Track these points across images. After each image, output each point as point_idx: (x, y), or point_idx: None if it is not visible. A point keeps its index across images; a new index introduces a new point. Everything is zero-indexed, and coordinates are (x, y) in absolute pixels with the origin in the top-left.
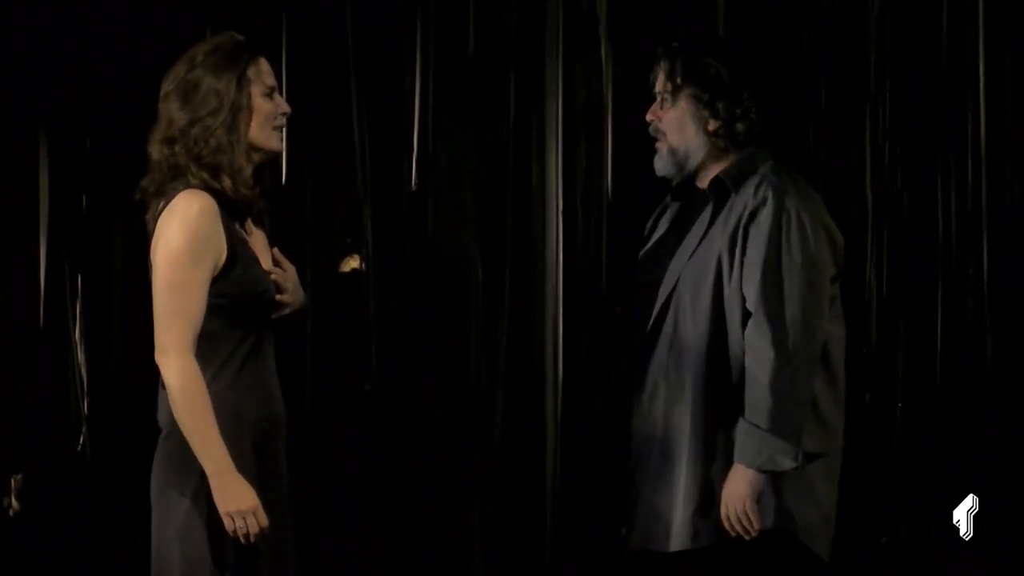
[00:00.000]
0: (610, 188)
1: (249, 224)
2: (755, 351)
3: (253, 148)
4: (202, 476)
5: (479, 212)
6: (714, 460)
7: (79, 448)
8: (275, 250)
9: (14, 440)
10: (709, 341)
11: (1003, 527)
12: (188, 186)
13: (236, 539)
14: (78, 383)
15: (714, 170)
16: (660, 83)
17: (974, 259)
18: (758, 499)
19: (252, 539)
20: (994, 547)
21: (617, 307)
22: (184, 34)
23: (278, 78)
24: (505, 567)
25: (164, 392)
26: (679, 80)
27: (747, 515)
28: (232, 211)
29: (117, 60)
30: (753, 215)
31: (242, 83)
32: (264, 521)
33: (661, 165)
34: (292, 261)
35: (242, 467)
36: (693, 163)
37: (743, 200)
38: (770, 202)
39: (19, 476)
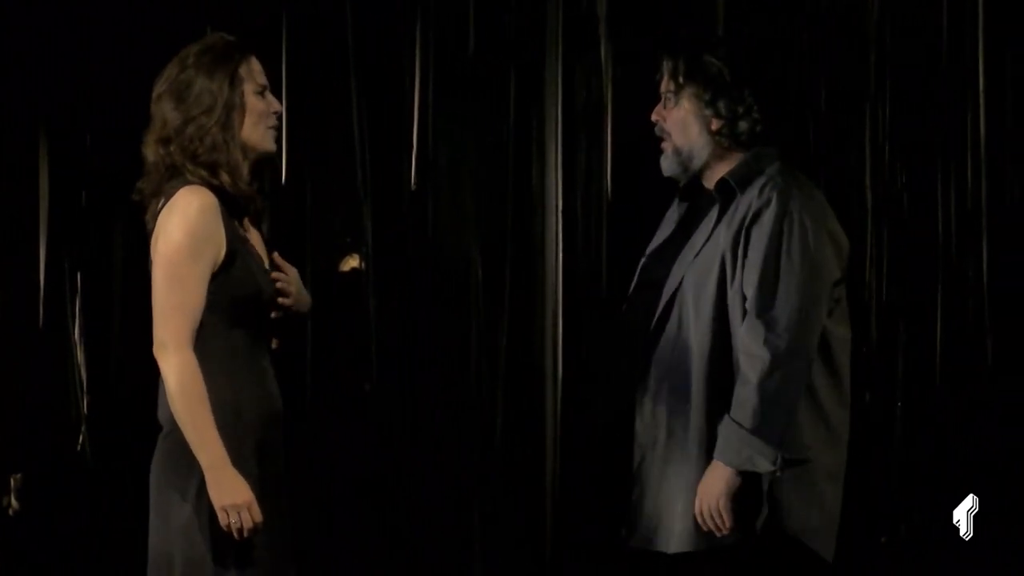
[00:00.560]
0: (610, 188)
1: (247, 224)
2: (747, 350)
3: (246, 147)
4: (202, 474)
5: (479, 212)
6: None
7: (79, 448)
8: (275, 254)
9: (14, 439)
10: (712, 342)
11: (1003, 527)
12: (188, 183)
13: (234, 537)
14: (78, 383)
15: (720, 170)
16: (664, 83)
17: (974, 259)
18: (735, 498)
19: (246, 534)
20: (994, 547)
21: (622, 305)
22: (184, 34)
23: (278, 78)
24: (505, 567)
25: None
26: (681, 80)
27: (720, 513)
28: (232, 208)
29: (117, 60)
30: (756, 216)
31: (234, 82)
32: (258, 517)
33: (667, 165)
34: (292, 261)
35: (241, 465)
36: (697, 163)
37: (748, 201)
38: (773, 204)
39: (19, 475)
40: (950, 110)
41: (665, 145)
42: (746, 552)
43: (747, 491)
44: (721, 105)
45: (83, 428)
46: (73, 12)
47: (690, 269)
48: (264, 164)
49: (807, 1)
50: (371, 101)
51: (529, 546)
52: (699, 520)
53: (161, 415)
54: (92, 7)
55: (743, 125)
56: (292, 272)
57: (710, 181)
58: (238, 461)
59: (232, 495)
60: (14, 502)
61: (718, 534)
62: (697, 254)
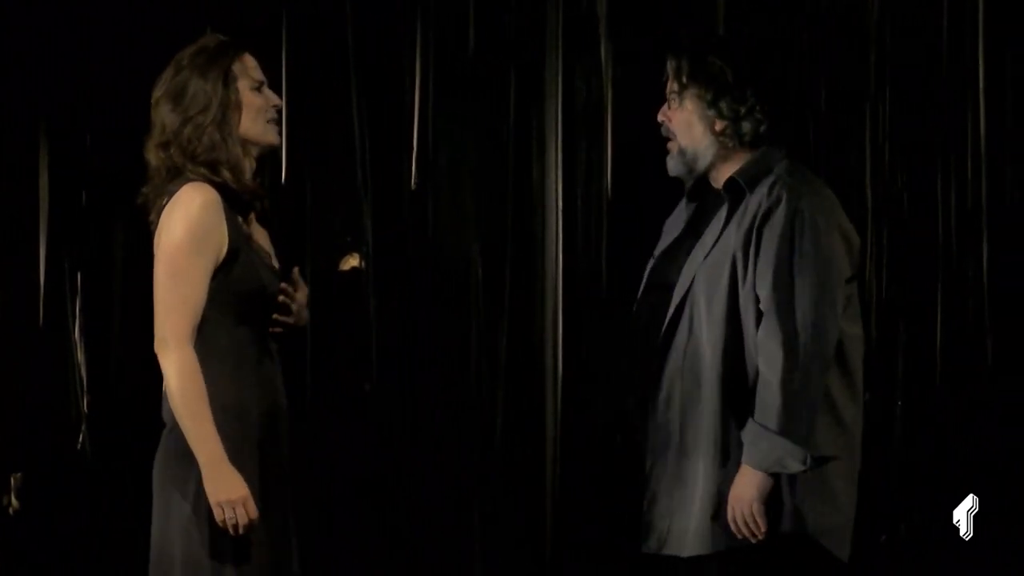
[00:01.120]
0: (610, 188)
1: (253, 222)
2: (766, 352)
3: (248, 142)
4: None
5: (479, 211)
6: (731, 463)
7: (79, 447)
8: (296, 270)
9: (14, 439)
10: (724, 343)
11: (1003, 527)
12: (190, 181)
13: (229, 532)
14: (78, 382)
15: (726, 170)
16: (668, 83)
17: (974, 259)
18: (766, 502)
19: (242, 530)
20: (994, 547)
21: (633, 308)
22: (184, 34)
23: (279, 78)
24: (505, 567)
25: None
26: (685, 80)
27: (754, 518)
28: (235, 205)
29: (117, 60)
30: (767, 216)
31: (228, 80)
32: (254, 513)
33: (672, 166)
34: (292, 260)
35: (242, 461)
36: (703, 163)
37: (757, 200)
38: (784, 203)
39: (19, 475)
40: (950, 110)
41: (671, 145)
42: (761, 554)
43: (769, 494)
44: (723, 106)
45: (83, 427)
46: (73, 12)
47: (701, 270)
48: (265, 159)
49: (807, 1)
50: (371, 101)
51: (529, 546)
52: (733, 528)
53: (165, 412)
54: (92, 7)
55: (747, 125)
56: (303, 289)
57: (717, 181)
58: (239, 458)
59: (228, 491)
60: (14, 501)
61: (753, 540)
62: (707, 255)
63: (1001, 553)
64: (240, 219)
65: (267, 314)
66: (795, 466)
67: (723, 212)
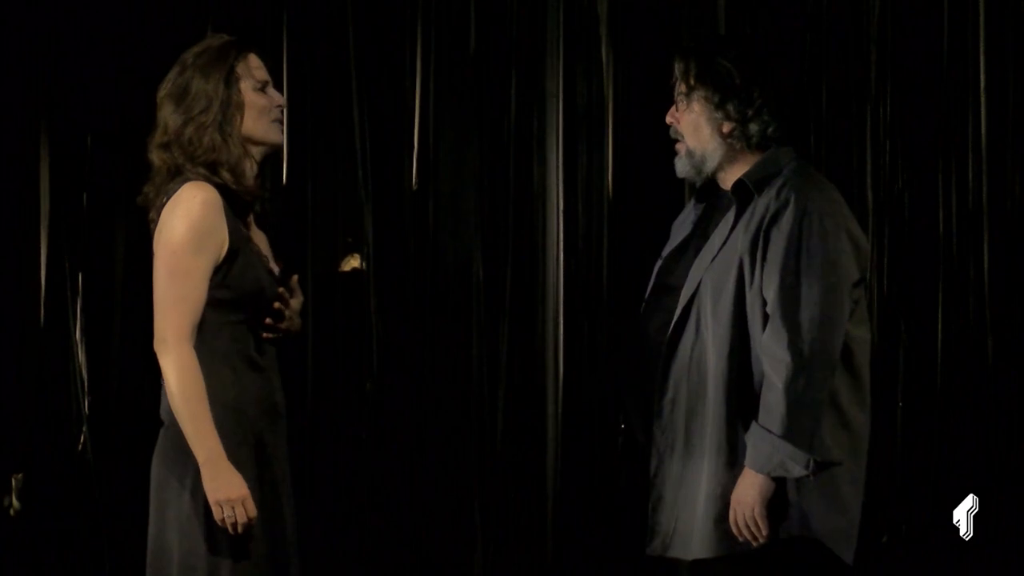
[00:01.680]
0: (611, 188)
1: (252, 224)
2: (771, 355)
3: (251, 142)
4: (199, 468)
5: (480, 212)
6: (736, 466)
7: (79, 447)
8: (295, 278)
9: (15, 439)
10: (731, 345)
11: (1003, 527)
12: (191, 180)
13: (228, 531)
14: (79, 382)
15: (734, 171)
16: (676, 85)
17: (975, 259)
18: (769, 505)
19: (240, 529)
20: (994, 547)
21: (640, 308)
22: (185, 34)
23: (280, 78)
24: (505, 567)
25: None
26: (692, 82)
27: (755, 521)
28: (235, 206)
29: (118, 60)
30: (775, 218)
31: (230, 80)
32: (253, 512)
33: (680, 167)
34: (293, 260)
35: (240, 460)
36: (711, 165)
37: (765, 202)
38: (792, 205)
39: (20, 475)
40: (951, 110)
41: (679, 147)
42: (766, 557)
43: (774, 497)
44: (731, 107)
45: (84, 428)
46: (74, 12)
47: (708, 272)
48: (268, 162)
49: (808, 1)
50: (372, 101)
51: (529, 546)
52: (735, 530)
53: (163, 411)
54: (93, 7)
55: (754, 127)
56: (299, 297)
57: (726, 182)
58: (237, 456)
59: (227, 490)
60: (15, 502)
61: (754, 543)
62: (715, 257)
63: (1001, 553)
64: (239, 220)
65: (265, 314)
66: (798, 470)
67: (731, 214)
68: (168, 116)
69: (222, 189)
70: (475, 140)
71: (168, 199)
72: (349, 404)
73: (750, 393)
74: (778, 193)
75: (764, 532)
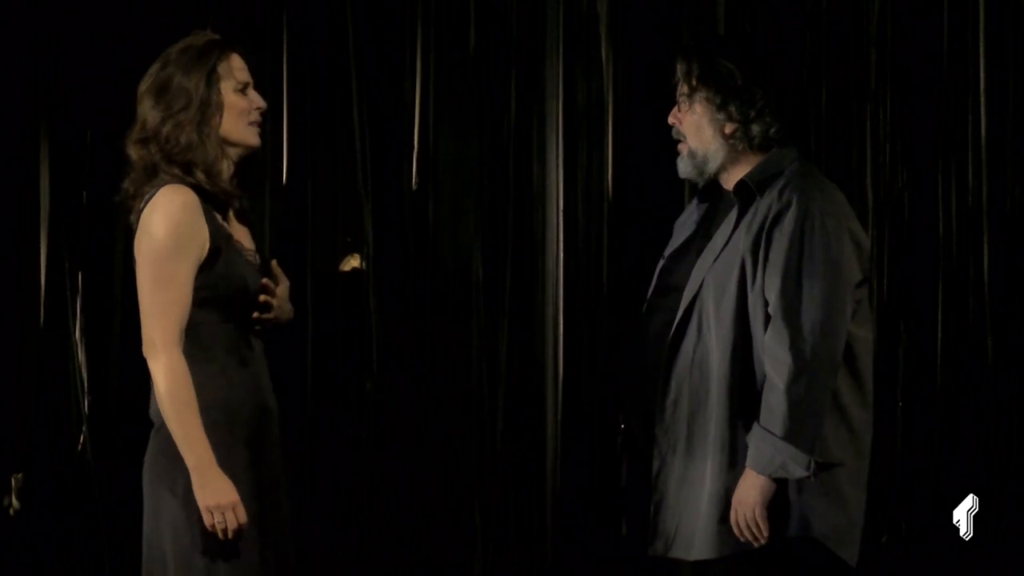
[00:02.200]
0: (611, 188)
1: (232, 219)
2: (773, 357)
3: (228, 143)
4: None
5: (479, 211)
6: (738, 466)
7: (79, 447)
8: (274, 263)
9: (14, 439)
10: (733, 346)
11: (1003, 527)
12: (167, 182)
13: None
14: (78, 382)
15: (736, 172)
16: (679, 86)
17: (975, 258)
18: (770, 506)
19: (230, 535)
20: (994, 547)
21: (643, 309)
22: (185, 33)
23: (280, 77)
24: (505, 567)
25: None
26: (694, 83)
27: (756, 522)
28: (212, 202)
29: (118, 59)
30: (777, 219)
31: (211, 80)
32: (243, 518)
33: (682, 168)
34: (293, 260)
35: (231, 462)
36: (713, 166)
37: (768, 203)
38: (794, 206)
39: (19, 475)
40: (951, 109)
41: (681, 147)
42: (768, 558)
43: (775, 498)
44: (733, 109)
45: (84, 428)
46: (74, 11)
47: (710, 273)
48: (247, 160)
49: (808, 1)
50: (372, 100)
51: (529, 546)
52: (735, 531)
53: (152, 412)
54: (93, 7)
55: (756, 128)
56: (284, 283)
57: (728, 183)
58: (228, 459)
59: (216, 496)
60: (15, 502)
61: (755, 544)
62: (717, 257)
63: (1001, 553)
64: (219, 217)
65: (251, 312)
66: (799, 472)
67: (733, 215)
68: (147, 111)
69: (197, 188)
70: (475, 140)
71: (145, 204)
72: (349, 404)
73: (752, 394)
74: (780, 194)
75: (765, 533)
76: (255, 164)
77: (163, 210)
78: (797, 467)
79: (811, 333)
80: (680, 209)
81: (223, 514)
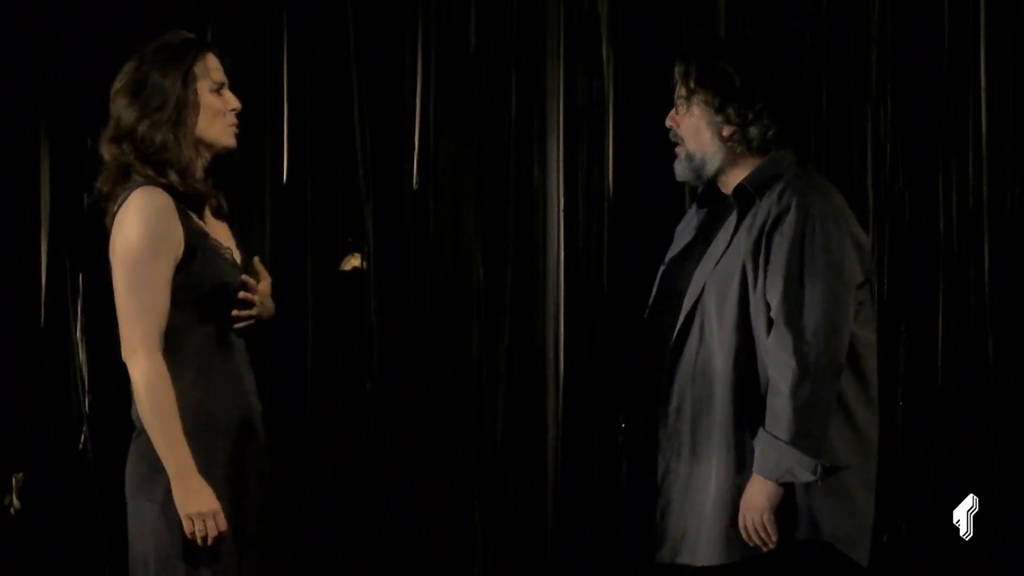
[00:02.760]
0: (611, 188)
1: (209, 218)
2: (776, 361)
3: (203, 144)
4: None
5: (480, 211)
6: (744, 472)
7: (80, 447)
8: (255, 260)
9: (15, 438)
10: (736, 351)
11: (1003, 527)
12: (139, 184)
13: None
14: (79, 382)
15: (735, 175)
16: (676, 88)
17: (975, 259)
18: (778, 511)
19: (210, 543)
20: (994, 547)
21: (645, 314)
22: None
23: (280, 77)
24: (506, 567)
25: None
26: (692, 85)
27: (764, 527)
28: (187, 202)
29: (117, 60)
30: (777, 222)
31: (188, 79)
32: (223, 525)
33: (680, 171)
34: (293, 260)
35: (212, 466)
36: (711, 169)
37: (767, 206)
38: (794, 209)
39: (20, 474)
40: (952, 109)
41: (679, 150)
42: (777, 562)
43: (784, 501)
44: (731, 111)
45: (84, 427)
46: (76, 10)
47: (711, 277)
48: (221, 160)
49: (808, 1)
50: (372, 100)
51: (529, 546)
52: (744, 536)
53: (134, 415)
54: (93, 7)
55: (754, 131)
56: (265, 280)
57: (727, 186)
58: (209, 463)
59: (197, 504)
60: (16, 501)
61: (764, 549)
62: (718, 262)
63: (1001, 553)
64: (195, 217)
65: (231, 310)
66: (805, 476)
67: (733, 218)
68: (122, 110)
69: (171, 189)
70: (475, 140)
71: (119, 206)
72: (349, 404)
73: (757, 398)
74: (780, 197)
75: (774, 538)
76: (255, 164)
77: (137, 213)
78: (804, 471)
79: (814, 336)
80: (681, 209)
81: (203, 522)
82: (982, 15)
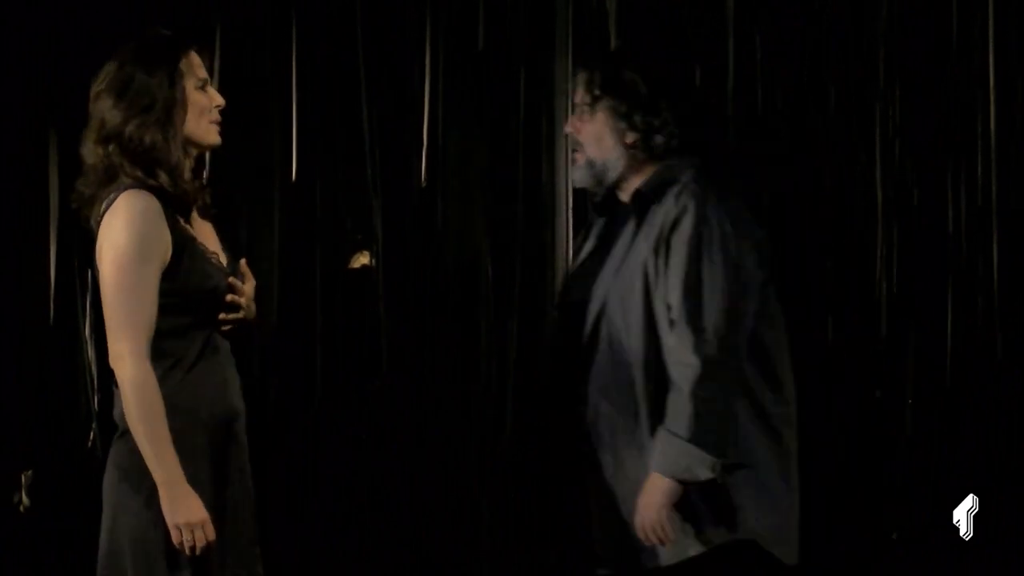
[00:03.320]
0: None
1: (196, 220)
2: (677, 360)
3: (189, 143)
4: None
5: (489, 209)
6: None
7: (89, 444)
8: (242, 262)
9: (24, 436)
10: (645, 354)
11: (1003, 527)
12: (126, 187)
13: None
14: (88, 379)
15: (635, 182)
16: (579, 95)
17: (984, 257)
18: (699, 510)
19: (199, 552)
20: (994, 547)
21: (555, 326)
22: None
23: (288, 76)
24: (512, 566)
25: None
26: (597, 92)
27: (661, 525)
28: (175, 207)
29: None
30: (675, 224)
31: (174, 78)
32: (212, 535)
33: (579, 177)
34: (302, 258)
35: (197, 469)
36: (612, 175)
37: (664, 209)
38: (691, 211)
39: (29, 472)
40: (959, 107)
41: (578, 156)
42: (710, 566)
43: (706, 497)
44: (637, 119)
45: (94, 425)
46: (77, 11)
47: (613, 286)
48: (203, 157)
49: None
50: (381, 98)
51: (537, 546)
52: (641, 535)
53: (117, 415)
54: (99, 6)
55: (659, 138)
56: (250, 282)
57: (625, 194)
58: (193, 463)
59: (187, 514)
60: (25, 498)
61: (661, 547)
62: (618, 269)
63: (1001, 553)
64: (181, 220)
65: (217, 313)
66: (704, 473)
67: (631, 225)
68: (106, 111)
69: (158, 191)
70: (484, 137)
71: (106, 210)
72: (357, 402)
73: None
74: (676, 199)
75: (671, 536)
76: (265, 163)
77: (123, 217)
78: (703, 469)
79: (714, 335)
80: None
81: (192, 532)
82: (990, 12)
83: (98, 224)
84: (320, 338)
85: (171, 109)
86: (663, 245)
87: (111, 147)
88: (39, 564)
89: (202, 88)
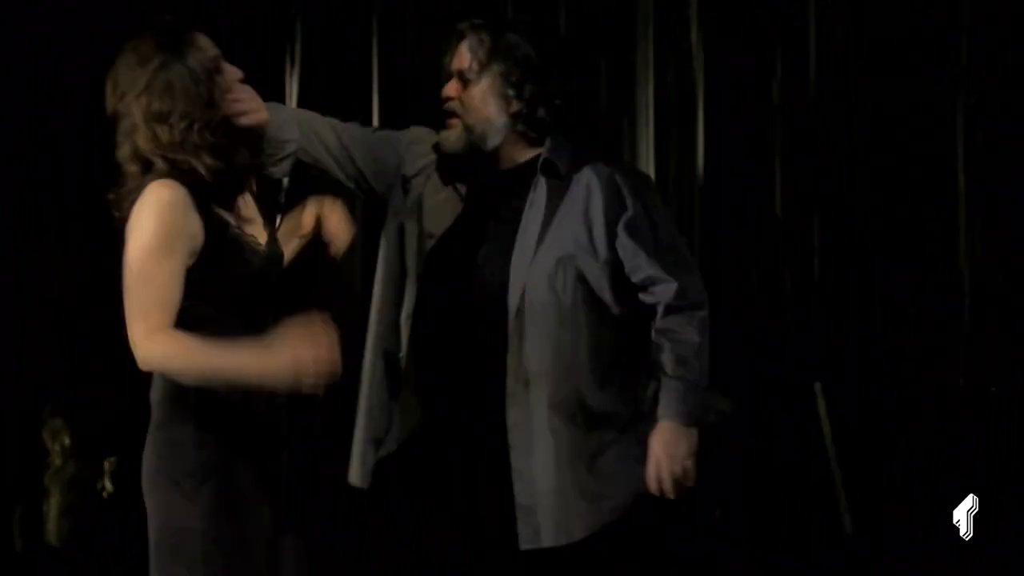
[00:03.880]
0: (701, 173)
1: (248, 204)
2: (683, 314)
3: (225, 122)
4: (200, 469)
5: None
6: (594, 435)
7: None
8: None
9: (107, 424)
10: (589, 327)
11: (1003, 527)
12: (153, 178)
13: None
14: None
15: (515, 152)
16: (462, 60)
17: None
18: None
19: (331, 379)
20: (994, 547)
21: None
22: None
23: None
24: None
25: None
26: (485, 57)
27: (688, 472)
28: (212, 193)
29: None
30: (617, 196)
31: (193, 64)
32: (336, 361)
33: (452, 141)
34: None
35: (229, 467)
36: (491, 144)
37: (584, 182)
38: (630, 183)
39: (112, 458)
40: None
41: (453, 122)
42: (637, 517)
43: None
44: (526, 88)
45: None
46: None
47: (533, 268)
48: (251, 132)
49: None
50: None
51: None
52: (665, 488)
53: (153, 398)
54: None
55: (543, 112)
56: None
57: (505, 163)
58: (226, 464)
59: (281, 373)
60: (108, 484)
61: (684, 496)
62: (536, 251)
63: (1001, 553)
64: (215, 206)
65: (260, 302)
66: (711, 416)
67: (538, 196)
68: (133, 108)
69: (199, 180)
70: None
71: (135, 202)
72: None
73: (614, 369)
74: (596, 172)
75: (693, 481)
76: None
77: (149, 208)
78: (709, 411)
79: (699, 287)
80: (771, 193)
81: (304, 376)
82: None
83: (128, 215)
84: None
85: (196, 96)
86: (605, 219)
87: (140, 140)
88: (122, 549)
89: (218, 68)
